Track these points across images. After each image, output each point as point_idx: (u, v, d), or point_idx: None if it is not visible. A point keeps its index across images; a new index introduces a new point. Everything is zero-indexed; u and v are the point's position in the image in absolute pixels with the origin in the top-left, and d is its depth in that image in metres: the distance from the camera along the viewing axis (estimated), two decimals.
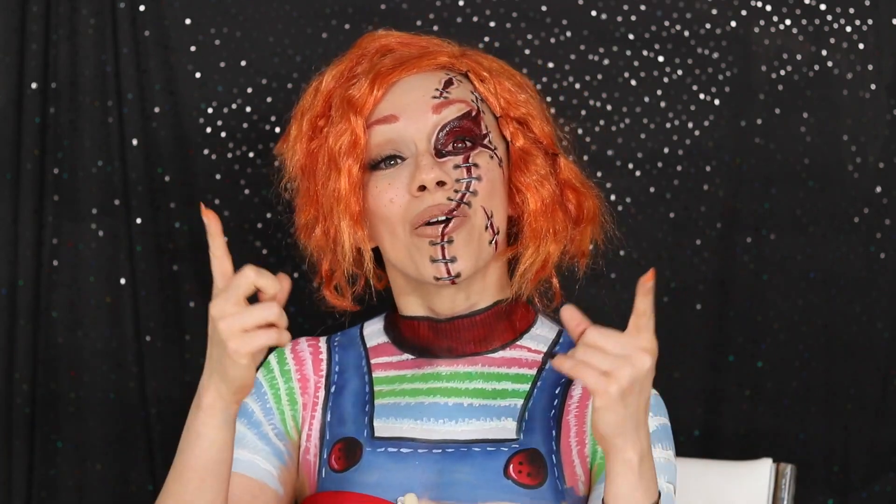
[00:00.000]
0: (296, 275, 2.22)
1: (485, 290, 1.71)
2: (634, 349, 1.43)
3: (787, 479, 1.91)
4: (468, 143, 1.67)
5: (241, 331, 1.45)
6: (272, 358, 1.78)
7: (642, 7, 2.22)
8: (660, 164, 2.23)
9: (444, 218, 1.64)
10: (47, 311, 2.20)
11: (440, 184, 1.63)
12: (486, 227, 1.66)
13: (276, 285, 1.46)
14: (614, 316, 2.22)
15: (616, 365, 1.42)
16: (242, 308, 1.45)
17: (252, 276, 1.45)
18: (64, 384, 2.21)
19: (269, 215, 2.20)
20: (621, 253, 2.21)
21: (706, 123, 2.22)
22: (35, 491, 2.20)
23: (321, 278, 1.78)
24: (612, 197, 2.22)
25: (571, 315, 1.46)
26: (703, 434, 2.23)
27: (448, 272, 1.64)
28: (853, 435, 2.23)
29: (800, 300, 2.23)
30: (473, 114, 1.68)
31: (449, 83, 1.69)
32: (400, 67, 1.68)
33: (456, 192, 1.64)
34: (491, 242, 1.67)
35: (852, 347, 2.23)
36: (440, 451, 1.65)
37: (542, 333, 1.75)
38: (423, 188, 1.64)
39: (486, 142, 1.68)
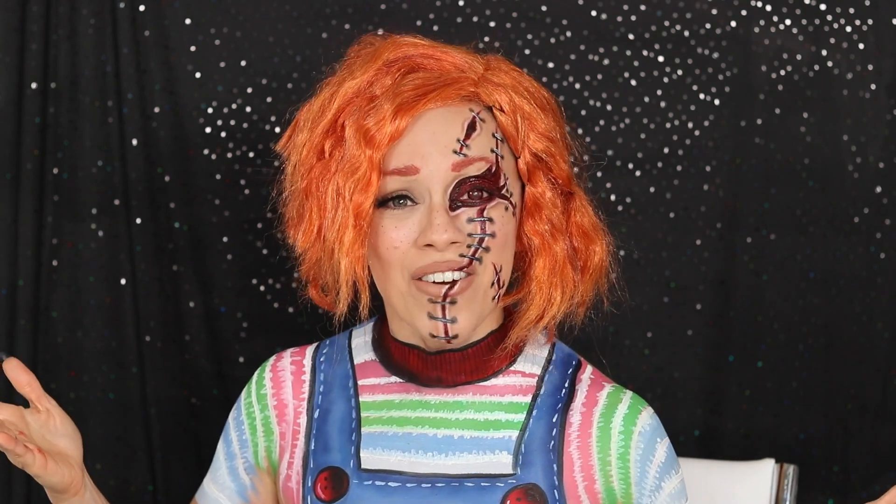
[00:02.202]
0: (296, 274, 2.22)
1: (480, 324, 1.62)
2: None
3: (790, 480, 1.91)
4: (484, 195, 1.57)
5: None
6: (254, 377, 1.74)
7: (642, 7, 2.22)
8: (660, 164, 2.23)
9: (450, 277, 1.56)
10: (47, 311, 2.20)
11: (452, 242, 1.55)
12: (493, 284, 1.58)
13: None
14: (614, 316, 2.23)
15: None
16: None
17: None
18: (64, 384, 2.21)
19: (269, 215, 2.20)
20: (621, 253, 2.21)
21: (706, 123, 2.22)
22: (35, 491, 2.20)
23: (307, 278, 1.69)
24: (612, 197, 2.23)
25: None
26: (703, 434, 2.23)
27: (446, 332, 1.57)
28: (853, 435, 2.24)
29: (800, 300, 2.23)
30: (493, 170, 1.57)
31: (471, 128, 1.57)
32: (424, 98, 1.57)
33: (469, 247, 1.56)
34: (494, 298, 1.59)
35: (852, 347, 2.23)
36: (429, 485, 1.60)
37: (534, 352, 1.67)
38: (431, 245, 1.56)
39: (503, 192, 1.58)
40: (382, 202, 1.57)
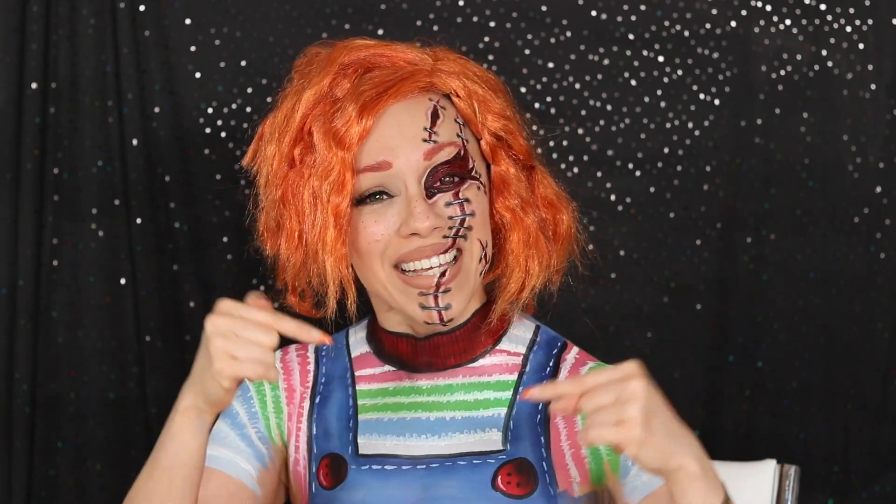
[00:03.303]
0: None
1: (465, 305, 1.67)
2: (622, 384, 1.38)
3: (791, 481, 1.91)
4: (457, 179, 1.62)
5: (231, 356, 1.46)
6: None
7: (642, 7, 2.22)
8: (660, 164, 2.23)
9: (436, 262, 1.60)
10: (47, 311, 2.19)
11: (434, 228, 1.60)
12: (480, 259, 1.63)
13: (296, 332, 1.48)
14: (614, 316, 2.23)
15: (620, 411, 1.37)
16: (240, 336, 1.46)
17: (267, 319, 1.47)
18: (64, 384, 2.21)
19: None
20: (621, 253, 2.21)
21: (706, 123, 2.22)
22: (35, 491, 2.20)
23: (284, 285, 1.72)
24: (612, 197, 2.22)
25: (538, 394, 1.42)
26: (703, 434, 2.23)
27: (441, 319, 1.61)
28: (853, 435, 2.24)
29: (800, 300, 2.23)
30: (462, 154, 1.62)
31: (435, 116, 1.63)
32: (385, 95, 1.62)
33: (450, 228, 1.60)
34: (481, 273, 1.64)
35: (852, 347, 2.23)
36: (424, 466, 1.64)
37: (519, 333, 1.71)
38: (415, 234, 1.60)
39: (472, 174, 1.63)
40: (360, 200, 1.62)
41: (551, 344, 1.71)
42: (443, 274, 1.60)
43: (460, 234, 1.61)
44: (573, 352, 1.71)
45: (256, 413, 1.73)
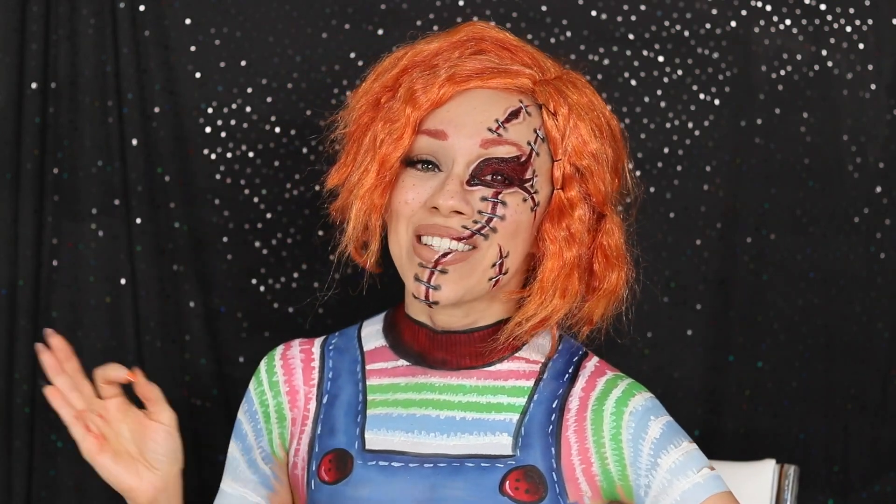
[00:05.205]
0: (296, 274, 2.22)
1: (488, 309, 1.67)
2: None
3: (791, 480, 1.91)
4: (506, 181, 1.61)
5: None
6: (262, 366, 1.77)
7: (642, 7, 2.22)
8: (660, 164, 2.23)
9: (446, 245, 1.60)
10: (47, 311, 2.19)
11: (456, 212, 1.60)
12: (494, 265, 1.62)
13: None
14: (614, 316, 2.22)
15: None
16: None
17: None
18: None
19: (269, 215, 2.20)
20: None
21: (706, 123, 2.22)
22: (35, 491, 2.20)
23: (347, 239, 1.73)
24: None
25: None
26: (703, 434, 2.23)
27: (426, 296, 1.61)
28: (853, 435, 2.24)
29: (800, 300, 2.23)
30: (522, 159, 1.61)
31: (514, 115, 1.62)
32: (477, 77, 1.63)
33: (475, 222, 1.60)
34: (491, 279, 1.62)
35: (852, 347, 2.23)
36: (431, 465, 1.63)
37: (541, 342, 1.71)
38: (436, 209, 1.60)
39: (526, 185, 1.62)
40: (412, 162, 1.64)
41: (572, 352, 1.71)
42: (445, 254, 1.60)
43: (483, 231, 1.60)
44: (593, 360, 1.70)
45: (261, 429, 1.74)
